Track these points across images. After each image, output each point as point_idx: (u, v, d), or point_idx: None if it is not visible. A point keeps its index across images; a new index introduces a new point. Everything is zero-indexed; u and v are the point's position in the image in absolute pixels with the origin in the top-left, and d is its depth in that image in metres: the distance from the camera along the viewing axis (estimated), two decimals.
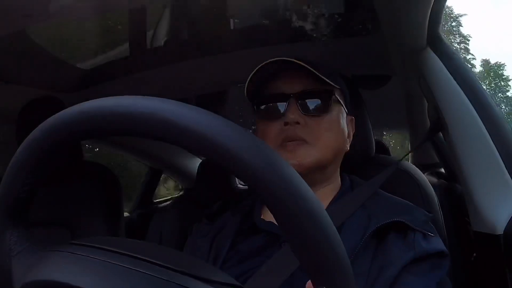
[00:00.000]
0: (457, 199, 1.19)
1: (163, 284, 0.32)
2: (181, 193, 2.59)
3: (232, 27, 1.30)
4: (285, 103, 0.70)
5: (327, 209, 0.69)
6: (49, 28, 1.13)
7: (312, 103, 0.70)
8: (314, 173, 0.69)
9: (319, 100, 0.71)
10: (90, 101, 0.34)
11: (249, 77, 0.71)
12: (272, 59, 0.68)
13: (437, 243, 0.64)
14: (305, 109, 0.70)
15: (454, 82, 0.84)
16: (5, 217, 0.40)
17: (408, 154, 1.52)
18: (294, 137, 0.68)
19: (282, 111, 0.70)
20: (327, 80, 0.68)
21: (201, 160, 2.05)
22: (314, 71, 0.67)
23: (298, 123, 0.68)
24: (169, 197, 2.79)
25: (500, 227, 0.71)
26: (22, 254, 0.38)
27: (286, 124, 0.69)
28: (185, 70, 1.43)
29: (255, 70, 0.70)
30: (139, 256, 0.35)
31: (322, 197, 0.71)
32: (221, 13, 1.26)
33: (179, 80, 1.49)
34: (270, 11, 1.25)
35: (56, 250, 0.38)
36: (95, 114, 0.33)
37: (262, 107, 0.74)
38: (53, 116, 0.36)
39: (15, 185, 0.38)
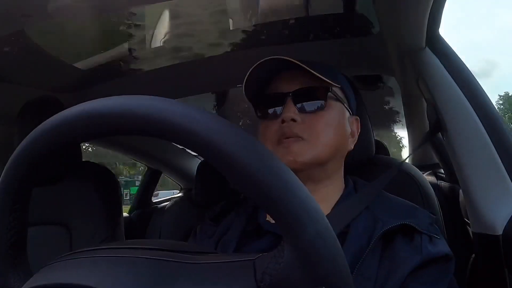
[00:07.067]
0: (456, 199, 1.19)
1: (153, 261, 0.35)
2: (180, 193, 2.59)
3: (232, 27, 1.30)
4: (283, 101, 0.71)
5: (332, 210, 0.70)
6: (49, 28, 1.13)
7: (308, 101, 0.71)
8: (312, 170, 0.69)
9: (315, 97, 0.71)
10: (87, 102, 0.34)
11: (246, 76, 0.72)
12: (266, 58, 0.69)
13: (443, 246, 0.63)
14: (301, 107, 0.70)
15: (453, 82, 0.84)
16: (5, 261, 0.41)
17: (409, 155, 1.52)
18: (290, 134, 0.69)
19: (279, 109, 0.71)
20: (321, 76, 0.68)
21: (200, 160, 2.05)
22: (307, 68, 0.68)
23: (294, 120, 0.69)
24: (169, 197, 2.79)
25: (499, 228, 0.71)
26: None
27: (283, 122, 0.69)
28: (185, 70, 1.43)
29: (250, 69, 0.71)
30: (127, 246, 0.37)
31: (326, 198, 0.71)
32: (221, 13, 1.27)
33: (179, 80, 1.49)
34: (270, 12, 1.25)
35: (52, 263, 0.39)
36: (93, 115, 0.33)
37: (262, 106, 0.75)
38: (50, 119, 0.36)
39: (3, 230, 0.40)
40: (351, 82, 0.82)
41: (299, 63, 0.68)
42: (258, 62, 0.70)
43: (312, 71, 0.68)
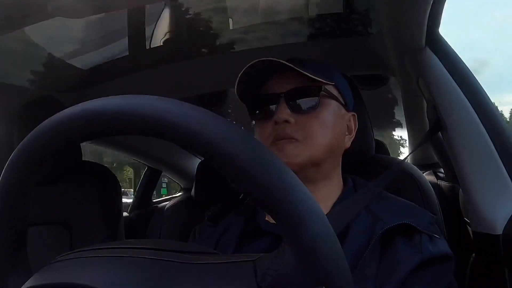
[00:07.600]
0: (456, 199, 1.19)
1: (149, 262, 0.35)
2: (180, 193, 2.59)
3: (231, 27, 1.30)
4: (276, 102, 0.70)
5: (331, 210, 0.69)
6: (49, 28, 1.13)
7: (301, 101, 0.70)
8: (307, 171, 0.69)
9: (308, 97, 0.70)
10: (87, 101, 0.34)
11: (237, 79, 0.71)
12: (255, 60, 0.68)
13: (443, 245, 0.63)
14: (294, 107, 0.70)
15: (453, 82, 0.84)
16: (5, 261, 0.41)
17: (409, 155, 1.53)
18: (283, 136, 0.68)
19: (273, 110, 0.71)
20: (312, 76, 0.68)
21: (200, 160, 2.05)
22: (296, 68, 0.67)
23: (287, 121, 0.68)
24: (169, 197, 2.79)
25: (499, 227, 0.71)
26: None
27: (276, 123, 0.69)
28: (185, 70, 1.43)
29: (241, 72, 0.70)
30: (127, 246, 0.38)
31: (324, 197, 0.71)
32: (221, 13, 1.27)
33: (179, 80, 1.49)
34: (270, 11, 1.25)
35: (52, 263, 0.39)
36: (90, 115, 0.33)
37: (255, 107, 0.74)
38: (48, 119, 0.36)
39: (3, 230, 0.40)
40: (348, 79, 0.82)
41: (289, 64, 0.67)
42: (248, 65, 0.69)
43: (303, 71, 0.67)
